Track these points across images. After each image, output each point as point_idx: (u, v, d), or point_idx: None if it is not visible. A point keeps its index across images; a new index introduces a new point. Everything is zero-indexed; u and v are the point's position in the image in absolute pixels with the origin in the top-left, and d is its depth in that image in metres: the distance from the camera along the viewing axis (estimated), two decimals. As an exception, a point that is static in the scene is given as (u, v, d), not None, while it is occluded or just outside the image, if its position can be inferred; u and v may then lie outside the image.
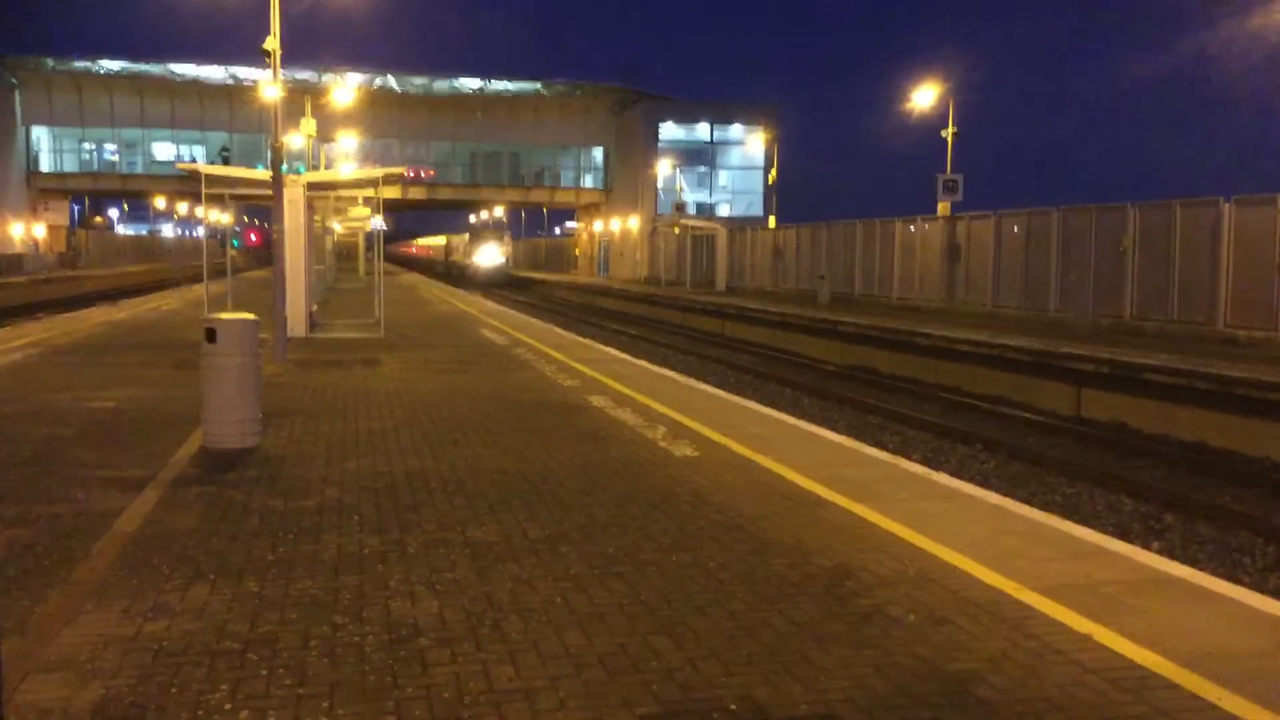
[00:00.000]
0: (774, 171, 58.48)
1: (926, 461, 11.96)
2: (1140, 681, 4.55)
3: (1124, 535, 9.25)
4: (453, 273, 75.28)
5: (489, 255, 68.74)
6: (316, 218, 29.59)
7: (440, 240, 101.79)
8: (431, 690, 4.39)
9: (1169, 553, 8.88)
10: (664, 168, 70.00)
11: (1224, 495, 11.87)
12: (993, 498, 8.13)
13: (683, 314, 38.95)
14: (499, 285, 62.22)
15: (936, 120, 38.48)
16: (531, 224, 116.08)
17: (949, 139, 37.32)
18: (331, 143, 58.39)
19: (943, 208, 33.51)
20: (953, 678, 4.59)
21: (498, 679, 4.51)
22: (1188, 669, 4.66)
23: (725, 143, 74.96)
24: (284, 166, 17.21)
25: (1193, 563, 8.11)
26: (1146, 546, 8.11)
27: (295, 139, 37.45)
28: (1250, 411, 14.49)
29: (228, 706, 4.20)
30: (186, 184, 59.29)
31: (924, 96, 38.85)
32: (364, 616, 5.24)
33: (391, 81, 74.30)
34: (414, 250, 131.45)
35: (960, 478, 9.17)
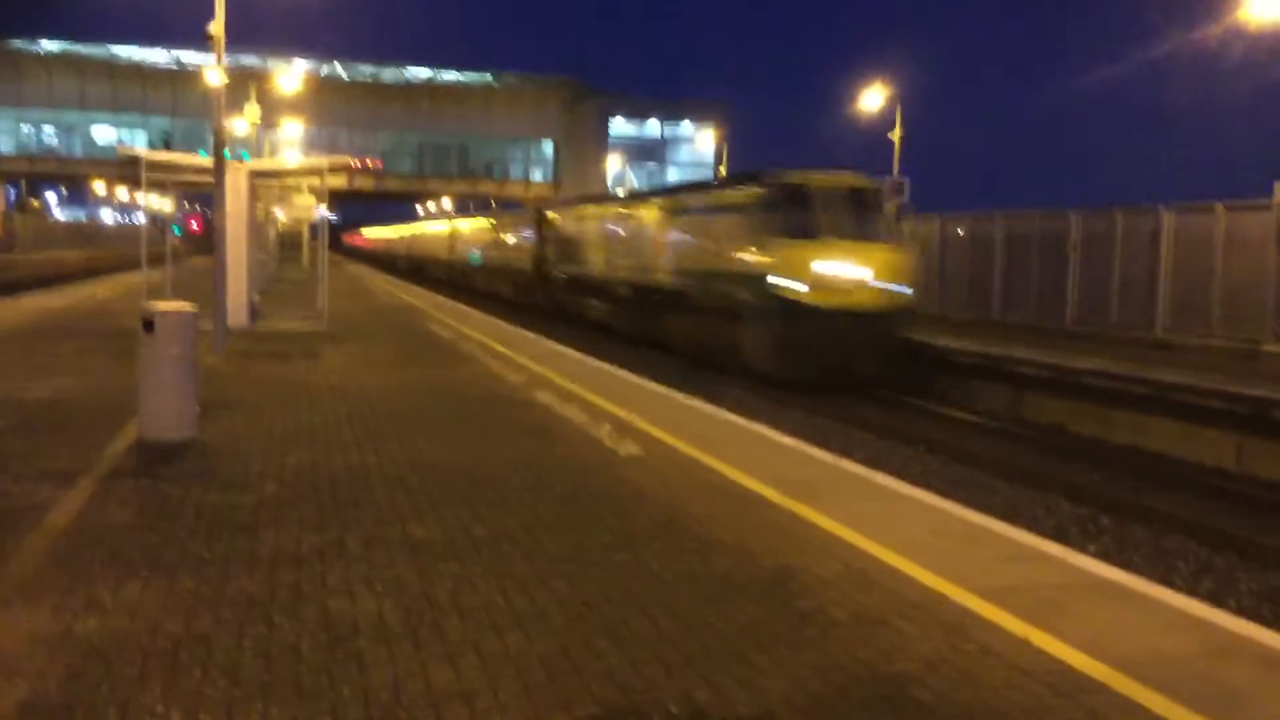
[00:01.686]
0: (723, 169, 58.72)
1: (869, 462, 12.05)
2: (1075, 685, 4.61)
3: (1061, 537, 9.38)
4: (564, 304, 33.43)
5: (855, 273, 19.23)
6: (260, 206, 29.22)
7: (468, 225, 55.46)
8: (369, 692, 4.33)
9: (1105, 556, 9.02)
10: (614, 163, 70.04)
11: (1158, 499, 12.08)
12: (933, 499, 8.20)
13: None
14: (879, 370, 19.26)
15: (886, 123, 38.79)
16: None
17: (896, 141, 37.66)
18: (276, 129, 57.71)
19: (889, 209, 33.76)
20: (891, 679, 4.61)
21: (436, 680, 4.46)
22: (1121, 672, 4.72)
23: (675, 139, 75.32)
24: (227, 153, 16.94)
25: (1128, 566, 8.25)
26: (1083, 549, 8.23)
27: (239, 125, 36.97)
28: (1184, 416, 14.77)
29: (159, 708, 4.12)
30: (127, 169, 58.19)
31: (872, 99, 39.15)
32: (301, 615, 5.16)
33: (339, 69, 73.66)
34: (362, 242, 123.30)
35: (902, 479, 9.24)
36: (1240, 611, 6.85)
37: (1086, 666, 4.80)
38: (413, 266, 72.68)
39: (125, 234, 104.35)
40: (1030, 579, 6.10)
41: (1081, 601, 5.73)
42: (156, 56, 71.35)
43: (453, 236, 59.26)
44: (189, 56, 68.08)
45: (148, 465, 8.40)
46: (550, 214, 37.09)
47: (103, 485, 7.70)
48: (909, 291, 19.81)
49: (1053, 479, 12.73)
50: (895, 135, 37.67)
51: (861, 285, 19.05)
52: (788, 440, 10.62)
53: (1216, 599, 8.07)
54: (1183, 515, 11.11)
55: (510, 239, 43.70)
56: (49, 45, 69.99)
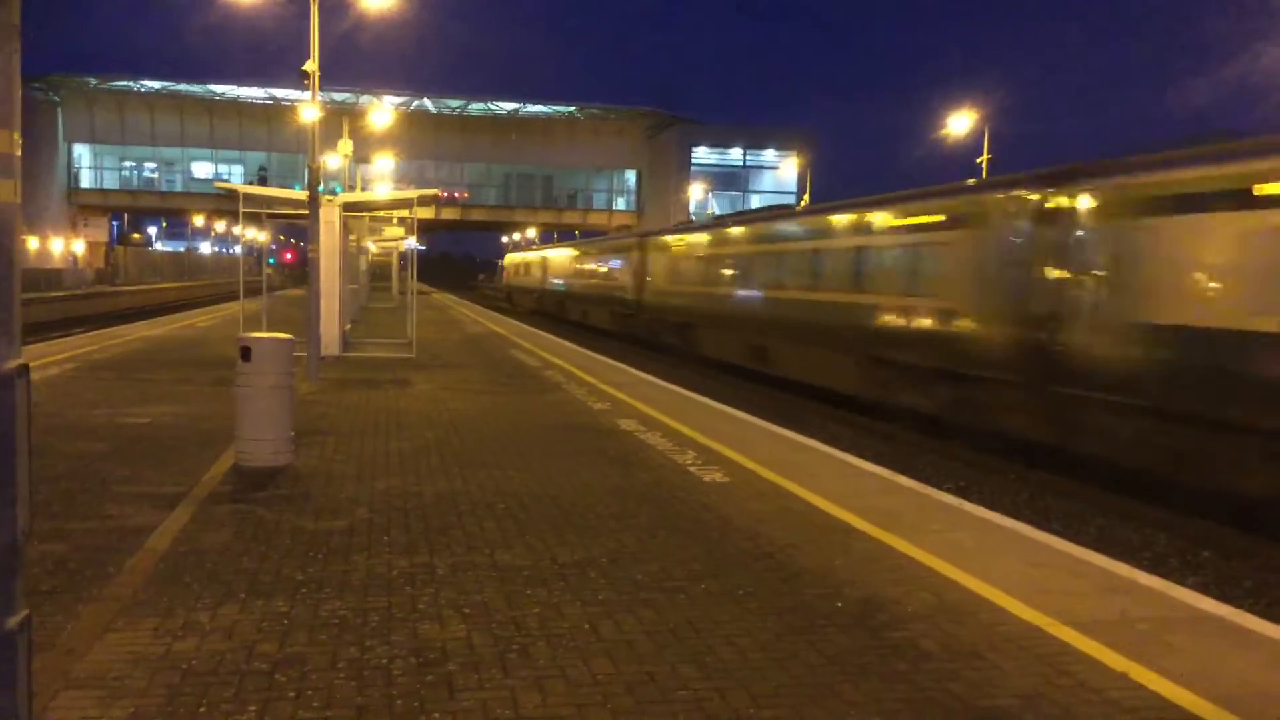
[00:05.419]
0: (806, 196, 58.50)
1: (959, 491, 11.85)
2: (1176, 722, 4.47)
3: (1158, 569, 9.12)
4: None
5: None
6: (351, 237, 29.84)
7: (560, 253, 53.00)
8: (458, 716, 4.37)
9: (1204, 588, 8.75)
10: (696, 191, 70.24)
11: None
12: (1027, 529, 8.04)
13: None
14: None
15: (972, 146, 38.37)
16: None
17: (984, 166, 37.20)
18: (368, 163, 58.98)
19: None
20: (986, 715, 4.52)
21: (525, 706, 4.49)
22: (1225, 709, 4.57)
23: (758, 166, 75.19)
24: (320, 187, 17.37)
25: (1229, 599, 7.98)
26: (1181, 582, 7.98)
27: (332, 159, 37.86)
28: None
29: (255, 728, 4.20)
30: (224, 202, 60.05)
31: (959, 123, 38.76)
32: (392, 639, 5.23)
33: (428, 104, 75.03)
34: (528, 270, 67.74)
35: (992, 508, 9.07)
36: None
37: (1189, 703, 4.65)
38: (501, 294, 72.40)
39: (222, 265, 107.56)
40: (1128, 612, 5.94)
41: (1181, 635, 5.56)
42: (253, 93, 73.48)
43: (543, 264, 55.53)
44: (284, 93, 70.03)
45: (244, 490, 8.60)
46: (663, 239, 32.64)
47: (201, 510, 7.89)
48: None
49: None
50: (983, 160, 37.22)
51: None
52: (875, 468, 10.50)
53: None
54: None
55: (610, 266, 40.24)
56: (150, 84, 72.52)
